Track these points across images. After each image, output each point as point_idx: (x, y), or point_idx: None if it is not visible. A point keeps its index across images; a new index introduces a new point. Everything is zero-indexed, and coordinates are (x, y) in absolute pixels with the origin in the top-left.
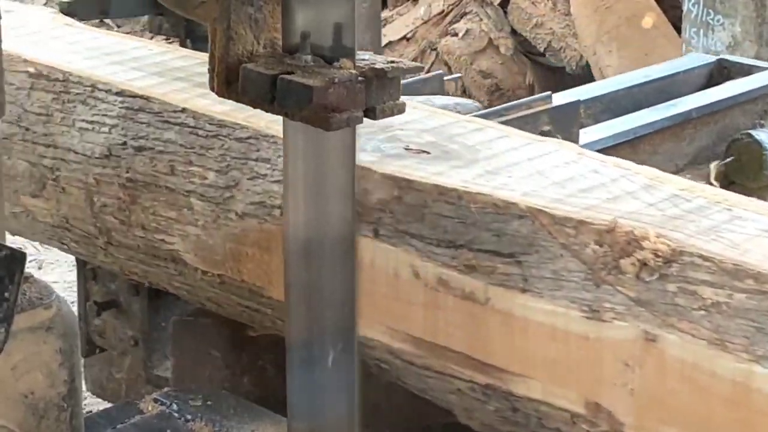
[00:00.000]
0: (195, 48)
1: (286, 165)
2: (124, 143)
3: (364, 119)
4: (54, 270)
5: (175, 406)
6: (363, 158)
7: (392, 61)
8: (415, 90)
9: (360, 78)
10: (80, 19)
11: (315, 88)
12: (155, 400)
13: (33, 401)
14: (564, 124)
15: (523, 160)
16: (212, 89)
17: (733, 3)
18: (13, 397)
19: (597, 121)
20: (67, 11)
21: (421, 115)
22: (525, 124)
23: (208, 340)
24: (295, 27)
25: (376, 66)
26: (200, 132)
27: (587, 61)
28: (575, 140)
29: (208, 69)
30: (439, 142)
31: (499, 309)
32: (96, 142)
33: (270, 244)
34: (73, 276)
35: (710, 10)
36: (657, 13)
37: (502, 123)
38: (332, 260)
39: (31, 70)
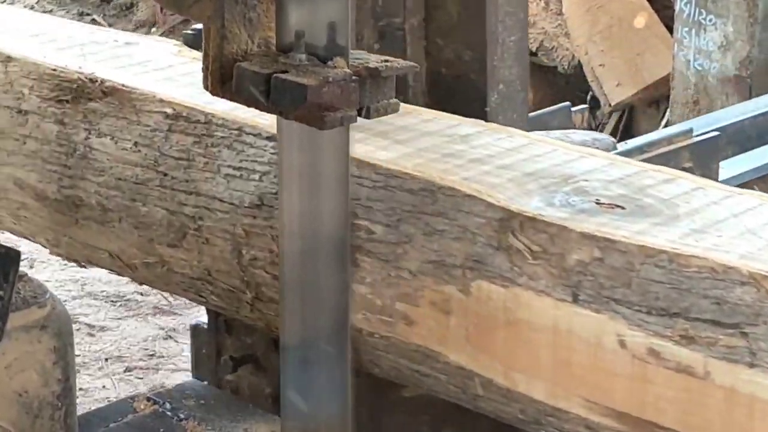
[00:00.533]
0: None
1: (281, 161)
2: (278, 192)
3: (359, 119)
4: (46, 269)
5: (168, 405)
6: (552, 213)
7: (386, 60)
8: (543, 123)
9: (354, 77)
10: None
11: (309, 87)
12: (148, 399)
13: (27, 400)
14: (705, 160)
15: (728, 216)
16: (206, 88)
17: (725, 3)
18: (7, 395)
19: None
20: (192, 43)
21: (601, 164)
22: (667, 161)
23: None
24: (289, 26)
25: (370, 65)
26: (366, 182)
27: (579, 61)
28: (715, 176)
29: (202, 68)
30: (630, 195)
31: (721, 384)
32: (245, 190)
33: (448, 306)
34: (65, 274)
35: (702, 10)
36: (649, 13)
37: (644, 160)
38: (327, 257)
39: (168, 110)
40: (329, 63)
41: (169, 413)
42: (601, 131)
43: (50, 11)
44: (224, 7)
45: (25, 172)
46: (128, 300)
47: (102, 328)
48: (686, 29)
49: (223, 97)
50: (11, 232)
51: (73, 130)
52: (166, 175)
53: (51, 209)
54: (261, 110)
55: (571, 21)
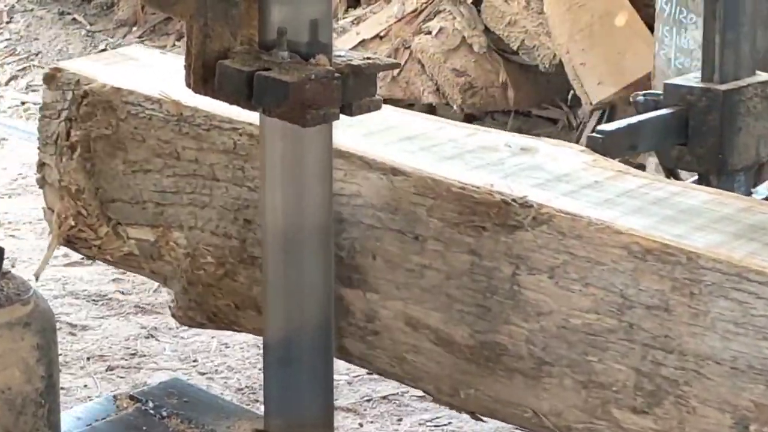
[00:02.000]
0: (722, 186)
1: (263, 156)
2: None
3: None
4: (27, 268)
5: (151, 404)
6: None
7: (368, 58)
8: None
9: (336, 74)
10: (611, 156)
11: (291, 84)
12: (131, 398)
13: (10, 397)
14: None
15: None
16: (188, 86)
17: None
18: None
19: None
20: (603, 148)
21: None
22: None
23: None
24: (271, 23)
25: (353, 62)
26: None
27: (560, 60)
28: None
29: (185, 65)
30: None
31: None
32: (751, 352)
33: None
34: (46, 273)
35: (683, 9)
36: (630, 12)
37: None
38: (311, 250)
39: (632, 244)
40: (312, 60)
41: (151, 411)
42: (583, 130)
43: (30, 11)
44: (207, 4)
45: (422, 309)
46: (110, 299)
47: (84, 327)
48: (667, 28)
49: (205, 95)
50: (381, 373)
51: (492, 264)
52: (632, 326)
53: (457, 356)
54: (243, 108)
55: (552, 20)
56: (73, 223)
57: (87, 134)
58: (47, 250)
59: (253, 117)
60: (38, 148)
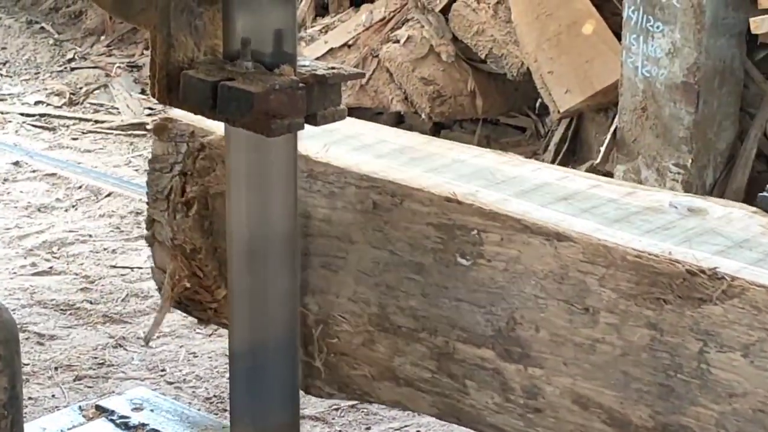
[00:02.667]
0: None
1: (228, 164)
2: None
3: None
4: None
5: (116, 414)
6: None
7: (333, 68)
8: None
9: (301, 84)
10: None
11: (255, 94)
12: (98, 408)
13: None
14: None
15: None
16: (153, 96)
17: (673, 10)
18: None
19: None
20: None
21: None
22: None
23: None
24: (235, 34)
25: (317, 72)
26: None
27: (528, 68)
28: None
29: (149, 75)
30: None
31: None
32: None
33: None
34: (14, 283)
35: (650, 17)
36: (597, 20)
37: None
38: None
39: None
40: (276, 70)
41: (118, 421)
42: (550, 138)
43: None
44: (170, 15)
45: (593, 387)
46: (78, 309)
47: (51, 337)
48: (634, 36)
49: (170, 105)
50: None
51: (676, 339)
52: None
53: None
54: (207, 118)
55: (520, 29)
56: (187, 285)
57: (204, 190)
58: (158, 313)
59: (391, 174)
60: (147, 203)
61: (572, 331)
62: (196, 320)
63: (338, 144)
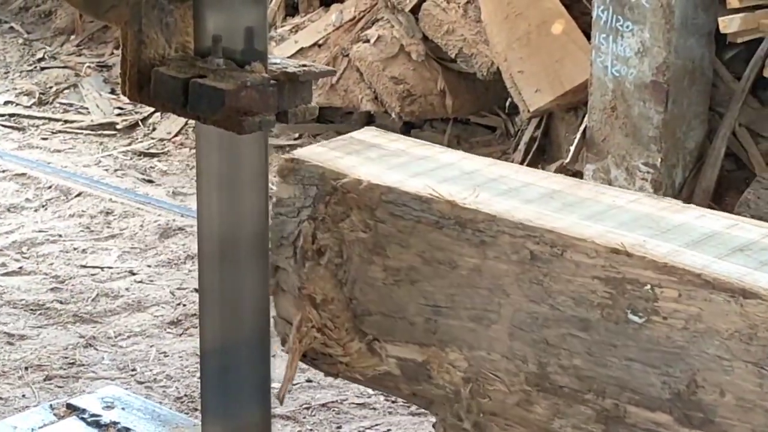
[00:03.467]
0: None
1: (198, 164)
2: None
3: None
4: None
5: (87, 413)
6: None
7: (304, 65)
8: None
9: (272, 81)
10: None
11: (227, 91)
12: (69, 406)
13: None
14: None
15: None
16: (124, 93)
17: (642, 10)
18: None
19: None
20: None
21: None
22: None
23: None
24: (206, 30)
25: (288, 70)
26: None
27: (498, 68)
28: None
29: (120, 72)
30: None
31: None
32: None
33: None
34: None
35: (619, 17)
36: (567, 20)
37: None
38: (246, 258)
39: None
40: (247, 67)
41: (89, 419)
42: (520, 138)
43: None
44: (142, 11)
45: None
46: (48, 308)
47: (21, 337)
48: (603, 35)
49: (141, 102)
50: None
51: None
52: None
53: None
54: (179, 115)
55: (489, 28)
56: (317, 337)
57: (338, 237)
58: (288, 369)
59: (548, 222)
60: (270, 249)
61: (762, 396)
62: (323, 373)
63: (482, 188)
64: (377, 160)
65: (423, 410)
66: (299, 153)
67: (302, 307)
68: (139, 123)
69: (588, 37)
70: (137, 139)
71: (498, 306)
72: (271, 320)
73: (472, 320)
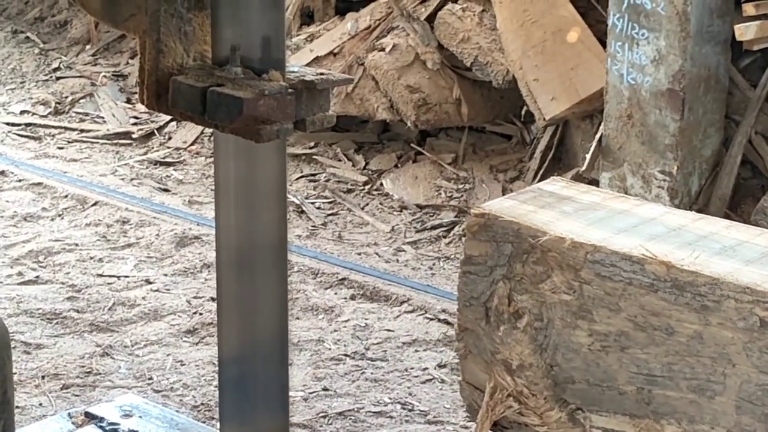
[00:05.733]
0: None
1: (216, 172)
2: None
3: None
4: None
5: (105, 421)
6: None
7: (321, 73)
8: None
9: (290, 90)
10: None
11: (245, 100)
12: (87, 415)
13: None
14: None
15: None
16: (142, 102)
17: (658, 17)
18: None
19: None
20: None
21: None
22: None
23: None
24: (224, 39)
25: (306, 78)
26: None
27: (514, 76)
28: None
29: (137, 82)
30: None
31: None
32: None
33: None
34: (1, 292)
35: (635, 24)
36: (582, 28)
37: None
38: (264, 267)
39: None
40: (265, 76)
41: (108, 428)
42: (536, 146)
43: None
44: (160, 20)
45: None
46: (64, 317)
47: (38, 346)
48: (619, 43)
49: (159, 111)
50: None
51: None
52: None
53: None
54: (197, 124)
55: (505, 36)
56: (512, 405)
57: (538, 299)
58: None
59: None
60: (458, 310)
61: None
62: None
63: (694, 246)
64: (573, 214)
65: (440, 419)
66: (489, 207)
67: (495, 373)
68: (155, 132)
69: (603, 44)
70: (153, 148)
71: (723, 376)
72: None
73: (693, 391)
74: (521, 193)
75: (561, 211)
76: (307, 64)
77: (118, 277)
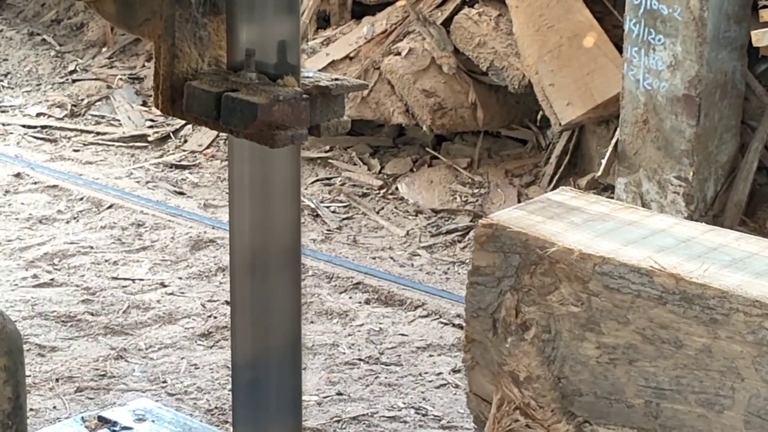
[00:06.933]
0: None
1: (230, 175)
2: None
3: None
4: None
5: (118, 425)
6: None
7: (336, 79)
8: None
9: (304, 95)
10: None
11: (260, 105)
12: (100, 419)
13: None
14: None
15: None
16: (156, 107)
17: (674, 23)
18: None
19: None
20: None
21: None
22: None
23: None
24: (239, 44)
25: (321, 83)
26: None
27: (530, 81)
28: None
29: (152, 86)
30: None
31: None
32: None
33: None
34: (15, 295)
35: (651, 30)
36: (598, 33)
37: None
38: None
39: None
40: (279, 81)
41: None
42: (552, 151)
43: (0, 31)
44: (175, 25)
45: None
46: (79, 320)
47: (53, 349)
48: (635, 49)
49: (173, 116)
50: None
51: None
52: None
53: None
54: (211, 129)
55: (521, 41)
56: (519, 418)
57: (546, 311)
58: None
59: None
60: (466, 321)
61: None
62: None
63: (703, 259)
64: (582, 225)
65: (454, 424)
66: (497, 218)
67: (502, 385)
68: (171, 135)
69: (620, 50)
70: (169, 151)
71: (731, 390)
72: (300, 328)
73: (701, 405)
74: (529, 203)
75: (569, 221)
76: (323, 68)
77: (133, 280)
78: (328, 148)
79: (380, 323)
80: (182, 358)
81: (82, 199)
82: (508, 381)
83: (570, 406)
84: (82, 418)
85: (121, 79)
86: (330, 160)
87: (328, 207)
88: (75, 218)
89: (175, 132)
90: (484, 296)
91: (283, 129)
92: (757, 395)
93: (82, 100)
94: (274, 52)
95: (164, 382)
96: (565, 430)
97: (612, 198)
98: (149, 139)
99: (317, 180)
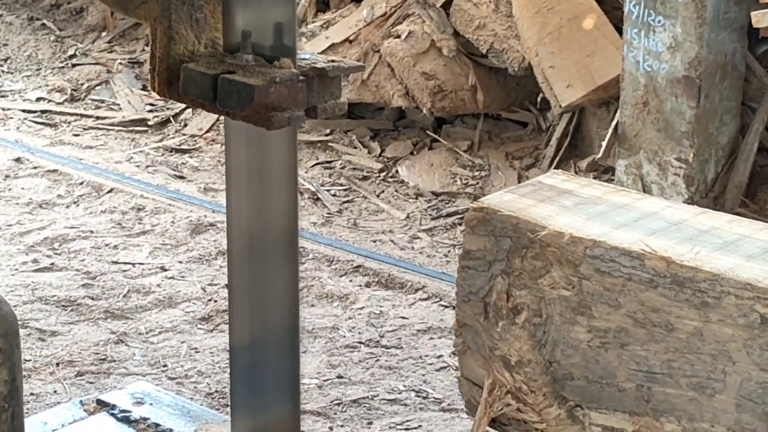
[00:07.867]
0: None
1: (227, 158)
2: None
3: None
4: None
5: (117, 409)
6: None
7: (333, 61)
8: None
9: (301, 77)
10: None
11: (256, 87)
12: (99, 402)
13: None
14: None
15: None
16: (153, 89)
17: (674, 4)
18: None
19: None
20: None
21: None
22: None
23: None
24: (236, 26)
25: (317, 65)
26: None
27: (529, 63)
28: None
29: (149, 69)
30: None
31: None
32: None
33: None
34: (15, 279)
35: (651, 11)
36: (598, 15)
37: None
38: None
39: None
40: (276, 63)
41: (119, 415)
42: (552, 133)
43: (0, 16)
44: (171, 7)
45: None
46: (79, 304)
47: (53, 333)
48: (635, 30)
49: (170, 98)
50: None
51: None
52: None
53: None
54: (208, 111)
55: (521, 23)
56: (510, 402)
57: (537, 295)
58: None
59: None
60: (457, 305)
61: None
62: None
63: (695, 242)
64: (573, 209)
65: (454, 407)
66: (488, 201)
67: (493, 369)
68: (171, 119)
69: (619, 31)
70: (169, 135)
71: (723, 374)
72: (298, 311)
73: (693, 389)
74: (521, 186)
75: (561, 205)
76: (323, 51)
77: (133, 264)
78: (328, 131)
79: (381, 306)
80: (182, 342)
81: (82, 183)
82: (500, 365)
83: (561, 390)
84: (81, 401)
85: (120, 63)
86: (330, 144)
87: (328, 190)
88: (75, 203)
89: (175, 116)
90: (475, 280)
91: (279, 111)
92: (748, 378)
93: (82, 84)
94: (271, 34)
95: (165, 366)
96: (557, 414)
97: (612, 180)
98: (149, 123)
99: (317, 163)
